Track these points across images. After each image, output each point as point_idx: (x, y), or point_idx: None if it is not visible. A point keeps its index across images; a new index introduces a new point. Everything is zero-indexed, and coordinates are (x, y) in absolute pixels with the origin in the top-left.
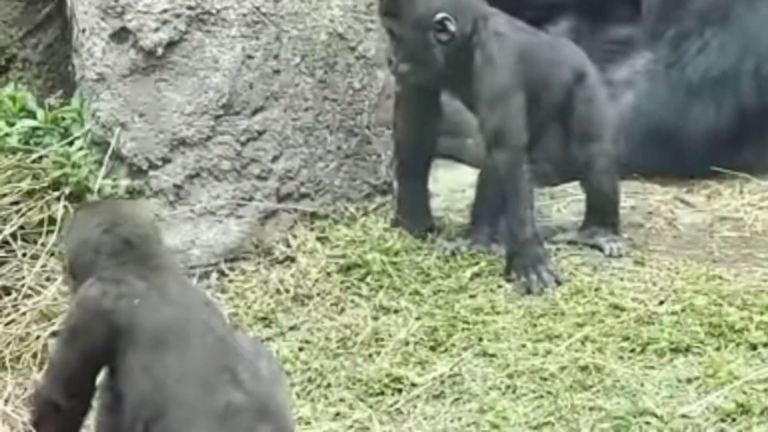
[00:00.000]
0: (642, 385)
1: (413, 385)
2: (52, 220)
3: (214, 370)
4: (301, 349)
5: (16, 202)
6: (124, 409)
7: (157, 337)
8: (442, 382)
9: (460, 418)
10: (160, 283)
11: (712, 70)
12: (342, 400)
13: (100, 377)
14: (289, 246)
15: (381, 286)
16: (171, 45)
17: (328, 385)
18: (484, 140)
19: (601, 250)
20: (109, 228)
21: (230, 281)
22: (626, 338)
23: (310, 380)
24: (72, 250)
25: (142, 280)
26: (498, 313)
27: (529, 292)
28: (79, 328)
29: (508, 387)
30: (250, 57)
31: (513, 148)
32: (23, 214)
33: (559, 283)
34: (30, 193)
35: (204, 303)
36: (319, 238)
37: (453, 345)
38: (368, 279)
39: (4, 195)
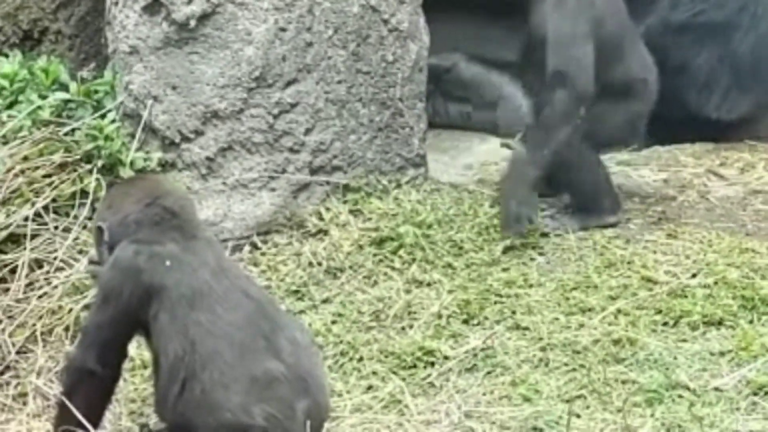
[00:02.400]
0: (675, 358)
1: (446, 358)
2: (84, 193)
3: (250, 336)
4: (333, 323)
5: (49, 175)
6: (161, 369)
7: (191, 298)
8: (475, 355)
9: (492, 392)
10: (196, 248)
11: None
12: (374, 373)
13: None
14: (321, 219)
15: (414, 259)
16: (203, 17)
17: (361, 359)
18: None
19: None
20: (151, 201)
21: (263, 254)
22: (659, 311)
23: (342, 353)
24: (114, 223)
25: (175, 244)
26: (531, 286)
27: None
28: (113, 289)
29: (540, 360)
30: (282, 30)
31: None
32: (55, 187)
33: (531, 221)
34: (62, 166)
35: (241, 272)
36: (351, 211)
37: (486, 318)
38: (401, 252)
39: (37, 168)
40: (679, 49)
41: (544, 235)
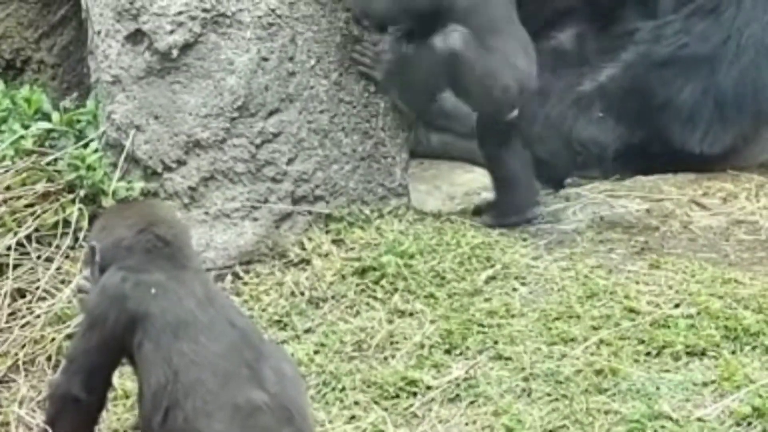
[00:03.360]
0: (657, 388)
1: (428, 388)
2: (66, 223)
3: (234, 365)
4: (316, 352)
5: (31, 205)
6: (144, 397)
7: (175, 327)
8: (458, 386)
9: (475, 422)
10: (184, 278)
11: None
12: (357, 403)
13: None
14: (303, 248)
15: (396, 289)
16: (186, 47)
17: (343, 389)
18: None
19: None
20: (144, 228)
21: (245, 284)
22: (641, 341)
23: (325, 383)
24: (106, 246)
25: (163, 272)
26: (513, 316)
27: None
28: (99, 316)
29: (523, 390)
30: (265, 59)
31: None
32: (38, 217)
33: None
34: (45, 196)
35: (228, 302)
36: (334, 241)
37: (468, 348)
38: (383, 282)
39: (19, 197)
40: (663, 85)
41: (527, 265)
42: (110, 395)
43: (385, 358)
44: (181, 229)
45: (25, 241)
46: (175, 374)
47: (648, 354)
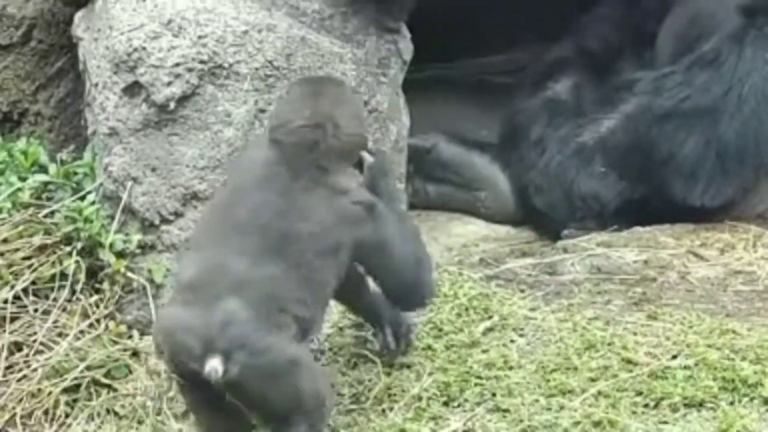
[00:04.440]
0: None
1: None
2: (63, 275)
3: None
4: None
5: (28, 257)
6: None
7: None
8: None
9: None
10: None
11: None
12: None
13: None
14: None
15: None
16: (183, 99)
17: None
18: None
19: None
20: None
21: None
22: (639, 393)
23: None
24: None
25: None
26: (511, 368)
27: None
28: None
29: None
30: (262, 111)
31: None
32: (35, 269)
33: None
34: (42, 248)
35: None
36: None
37: (466, 400)
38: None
39: (16, 250)
40: (666, 139)
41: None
42: None
43: (383, 411)
44: None
45: (22, 294)
46: None
47: (646, 405)
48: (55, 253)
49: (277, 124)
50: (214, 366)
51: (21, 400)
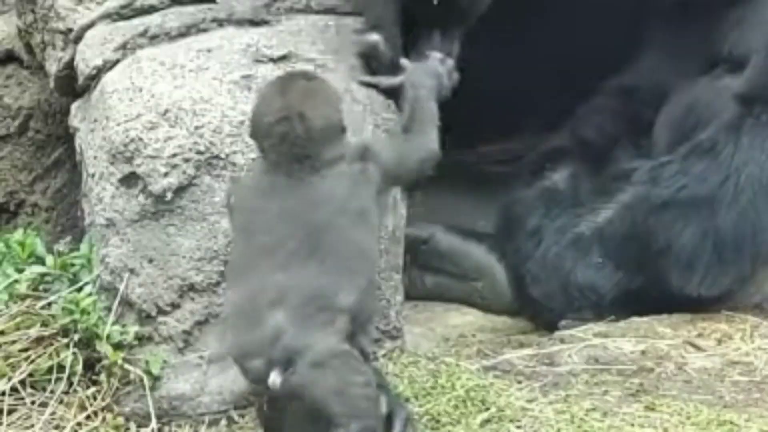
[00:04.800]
0: None
1: None
2: (61, 368)
3: None
4: None
5: (25, 349)
6: None
7: None
8: None
9: None
10: None
11: None
12: None
13: None
14: None
15: None
16: (180, 190)
17: None
18: None
19: None
20: None
21: (240, 428)
22: None
23: None
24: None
25: None
26: None
27: None
28: None
29: None
30: None
31: None
32: (32, 362)
33: None
34: (39, 340)
35: None
36: None
37: None
38: None
39: (13, 342)
40: (663, 229)
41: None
42: None
43: None
44: None
45: (19, 386)
46: None
47: None
48: (52, 345)
49: (250, 125)
50: (273, 379)
51: None
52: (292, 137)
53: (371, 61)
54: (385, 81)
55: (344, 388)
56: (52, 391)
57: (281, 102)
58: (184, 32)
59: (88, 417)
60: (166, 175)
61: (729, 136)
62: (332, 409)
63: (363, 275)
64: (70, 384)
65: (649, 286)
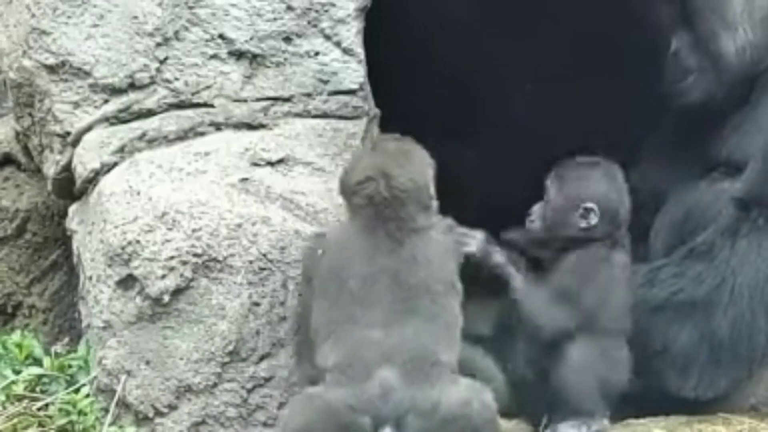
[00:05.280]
0: None
1: None
2: None
3: None
4: None
5: None
6: None
7: None
8: None
9: None
10: None
11: None
12: None
13: None
14: None
15: None
16: (177, 292)
17: None
18: None
19: None
20: None
21: None
22: None
23: None
24: None
25: None
26: None
27: None
28: None
29: None
30: (256, 304)
31: None
32: None
33: None
34: None
35: None
36: None
37: None
38: None
39: None
40: (660, 331)
41: None
42: None
43: None
44: None
45: None
46: None
47: None
48: None
49: (339, 184)
50: None
51: None
52: (378, 197)
53: None
54: None
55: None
56: None
57: (368, 162)
58: (182, 136)
59: None
60: (163, 277)
61: (726, 239)
62: None
63: (457, 340)
64: None
65: (646, 389)
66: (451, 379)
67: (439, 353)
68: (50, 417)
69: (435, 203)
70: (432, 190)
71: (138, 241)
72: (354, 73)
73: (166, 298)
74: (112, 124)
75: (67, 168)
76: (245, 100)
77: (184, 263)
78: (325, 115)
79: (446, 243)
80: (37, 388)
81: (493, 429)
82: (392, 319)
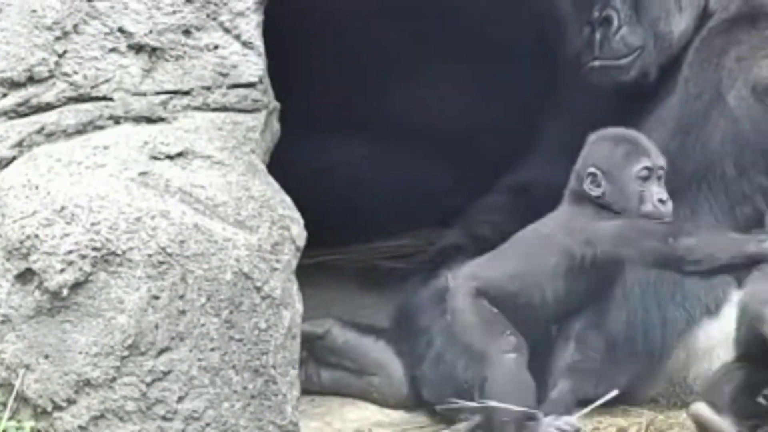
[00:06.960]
0: None
1: None
2: None
3: None
4: None
5: None
6: None
7: None
8: None
9: None
10: None
11: None
12: None
13: None
14: None
15: None
16: (76, 286)
17: None
18: None
19: None
20: None
21: None
22: None
23: None
24: None
25: None
26: None
27: None
28: None
29: None
30: (155, 297)
31: None
32: None
33: None
34: None
35: None
36: None
37: None
38: None
39: None
40: None
41: None
42: None
43: None
44: None
45: None
46: None
47: None
48: None
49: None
50: None
51: None
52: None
53: None
54: None
55: None
56: None
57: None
58: (81, 129)
59: None
60: (62, 271)
61: None
62: None
63: None
64: None
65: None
66: None
67: None
68: None
69: None
70: None
71: (37, 236)
72: (253, 66)
73: (65, 291)
74: (10, 118)
75: None
76: (144, 94)
77: (83, 257)
78: (224, 109)
79: None
80: None
81: None
82: None
